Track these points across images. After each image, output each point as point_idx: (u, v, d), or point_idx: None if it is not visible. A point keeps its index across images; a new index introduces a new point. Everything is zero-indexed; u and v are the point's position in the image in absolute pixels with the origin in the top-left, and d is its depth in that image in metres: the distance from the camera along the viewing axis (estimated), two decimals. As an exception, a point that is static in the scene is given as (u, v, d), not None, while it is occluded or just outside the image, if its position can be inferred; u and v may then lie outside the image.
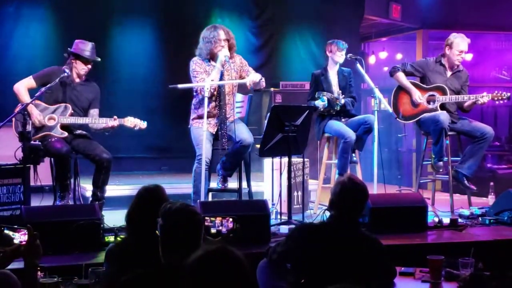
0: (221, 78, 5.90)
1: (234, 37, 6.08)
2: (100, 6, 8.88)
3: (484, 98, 6.43)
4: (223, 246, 2.13)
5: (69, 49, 5.99)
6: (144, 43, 9.37)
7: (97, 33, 8.70)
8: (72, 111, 5.88)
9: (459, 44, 6.58)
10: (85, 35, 7.86)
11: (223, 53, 5.84)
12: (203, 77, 5.86)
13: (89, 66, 6.01)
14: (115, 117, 5.88)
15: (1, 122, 5.60)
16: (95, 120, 5.91)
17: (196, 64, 5.96)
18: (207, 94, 5.60)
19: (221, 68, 5.86)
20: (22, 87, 5.86)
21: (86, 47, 5.96)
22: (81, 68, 5.96)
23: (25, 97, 5.79)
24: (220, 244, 2.16)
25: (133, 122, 5.93)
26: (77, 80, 6.00)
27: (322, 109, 6.47)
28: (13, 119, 5.67)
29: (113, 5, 8.99)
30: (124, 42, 9.16)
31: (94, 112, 6.06)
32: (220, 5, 9.58)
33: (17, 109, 5.62)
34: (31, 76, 5.92)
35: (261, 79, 5.89)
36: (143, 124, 5.97)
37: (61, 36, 8.58)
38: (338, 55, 6.61)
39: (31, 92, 5.85)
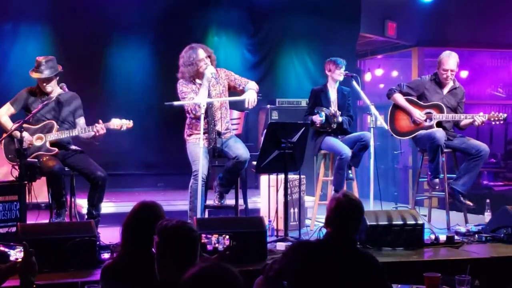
0: (208, 95, 5.93)
1: (208, 48, 6.10)
2: (97, 23, 8.91)
3: (480, 118, 6.44)
4: (218, 263, 2.13)
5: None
6: (141, 60, 9.40)
7: (94, 50, 8.76)
8: (58, 127, 5.85)
9: (444, 63, 6.62)
10: (82, 52, 7.92)
11: (209, 70, 5.87)
12: (192, 96, 5.89)
13: (44, 84, 5.85)
14: (100, 121, 5.83)
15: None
16: (81, 130, 5.87)
17: (183, 86, 5.99)
18: (202, 111, 5.64)
19: (207, 85, 5.88)
20: (3, 115, 5.87)
21: (37, 65, 5.82)
22: (42, 87, 5.86)
23: (7, 124, 5.81)
24: (216, 260, 2.16)
25: (119, 123, 5.85)
26: (52, 95, 5.90)
27: (319, 125, 6.48)
28: (2, 144, 5.67)
29: (110, 22, 9.02)
30: (120, 59, 9.18)
31: (80, 120, 6.03)
32: (217, 22, 9.62)
33: (4, 135, 5.62)
34: (8, 103, 5.91)
35: (258, 96, 5.94)
36: (129, 124, 5.89)
37: (59, 53, 8.57)
38: (337, 73, 6.63)
39: (13, 118, 5.89)
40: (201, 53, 5.94)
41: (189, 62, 5.95)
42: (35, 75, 5.83)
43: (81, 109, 6.08)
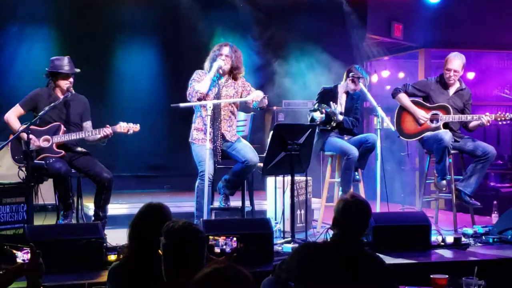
0: (218, 92, 5.96)
1: (242, 57, 6.13)
2: (103, 25, 8.94)
3: (486, 117, 6.42)
4: (231, 264, 2.13)
5: (46, 69, 5.97)
6: (147, 61, 9.42)
7: (100, 52, 8.78)
8: (65, 129, 5.88)
9: (449, 63, 6.62)
10: (89, 54, 7.93)
11: (217, 63, 5.93)
12: (195, 84, 5.94)
13: (71, 80, 5.94)
14: (107, 125, 5.87)
15: (4, 142, 5.63)
16: (88, 133, 5.89)
17: (196, 74, 6.08)
18: (209, 112, 5.66)
19: (212, 76, 5.90)
20: (12, 116, 5.89)
21: (62, 62, 5.92)
22: (64, 84, 5.91)
23: (16, 125, 5.83)
24: (228, 262, 2.16)
25: (125, 127, 5.89)
26: (62, 97, 5.93)
27: (318, 122, 6.47)
28: (9, 146, 5.68)
29: (116, 25, 9.05)
30: (127, 61, 9.21)
31: (87, 124, 6.05)
32: (223, 24, 9.62)
33: (11, 137, 5.64)
34: (17, 104, 5.93)
35: (264, 96, 5.94)
36: (136, 127, 5.94)
37: (64, 55, 8.61)
38: (352, 85, 6.62)
39: (21, 118, 5.91)
40: (225, 50, 6.03)
41: (213, 53, 6.07)
42: (66, 68, 5.90)
43: (88, 113, 6.11)
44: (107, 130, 5.82)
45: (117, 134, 5.96)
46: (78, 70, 6.01)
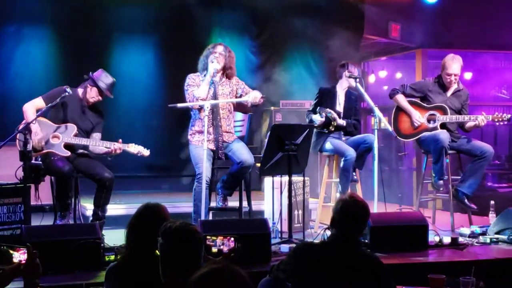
0: (214, 92, 5.95)
1: (234, 59, 6.12)
2: (101, 26, 8.92)
3: (483, 119, 6.42)
4: (228, 265, 2.13)
5: (91, 73, 6.02)
6: (145, 62, 9.40)
7: (98, 53, 8.76)
8: (77, 132, 5.90)
9: (448, 67, 6.58)
10: (86, 55, 7.92)
11: (212, 65, 5.92)
12: (193, 89, 5.92)
13: (100, 98, 6.04)
14: (120, 140, 5.89)
15: (3, 141, 5.61)
16: (99, 142, 5.91)
17: (190, 79, 6.05)
18: (207, 113, 5.64)
19: (209, 80, 5.90)
20: (31, 107, 5.86)
21: (106, 80, 6.01)
22: (91, 96, 5.99)
23: (31, 117, 5.81)
24: (225, 262, 2.16)
25: (136, 148, 5.95)
26: (85, 103, 6.03)
27: (317, 125, 6.46)
28: (17, 137, 5.68)
29: (114, 25, 9.03)
30: (124, 62, 9.18)
31: (97, 136, 6.07)
32: (220, 24, 9.63)
33: (20, 127, 5.63)
34: (40, 97, 5.92)
35: (261, 97, 5.95)
36: (146, 152, 5.99)
37: (62, 55, 8.64)
38: (353, 81, 6.60)
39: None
40: (219, 48, 6.03)
41: (206, 53, 6.06)
42: (103, 85, 5.99)
43: (101, 126, 6.16)
44: (118, 145, 5.85)
45: (117, 135, 5.97)
46: (111, 96, 6.11)
